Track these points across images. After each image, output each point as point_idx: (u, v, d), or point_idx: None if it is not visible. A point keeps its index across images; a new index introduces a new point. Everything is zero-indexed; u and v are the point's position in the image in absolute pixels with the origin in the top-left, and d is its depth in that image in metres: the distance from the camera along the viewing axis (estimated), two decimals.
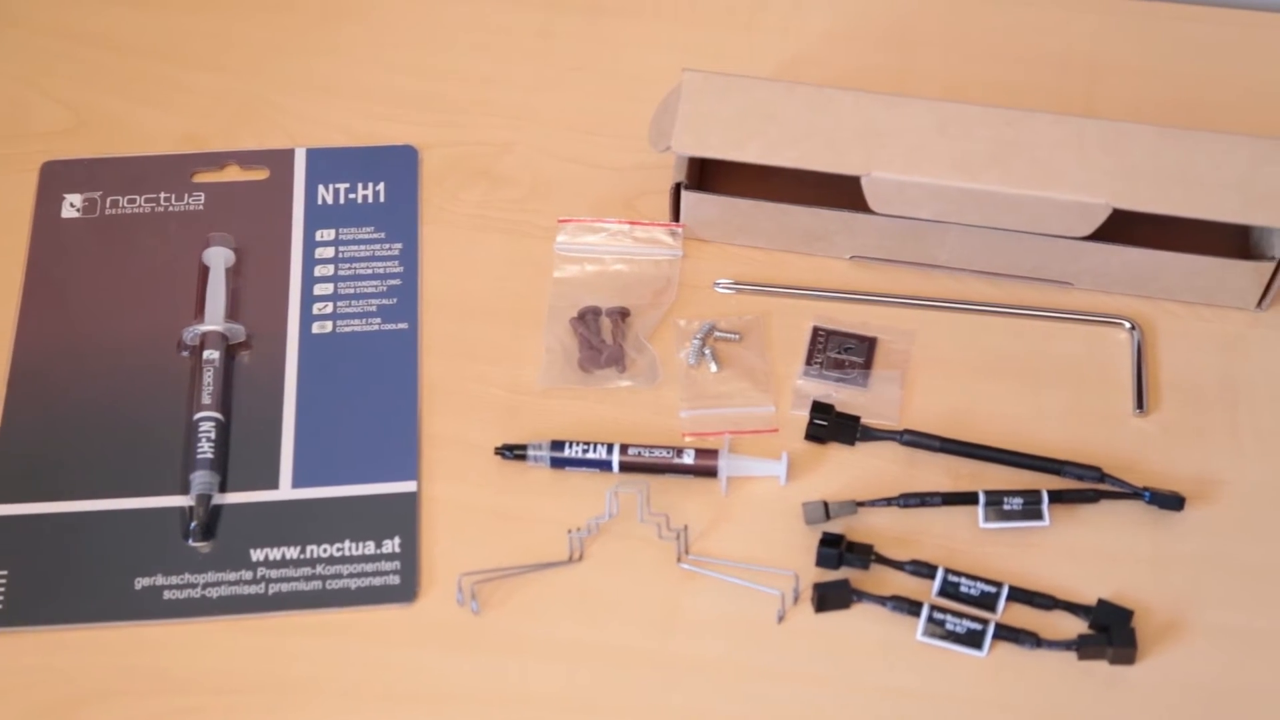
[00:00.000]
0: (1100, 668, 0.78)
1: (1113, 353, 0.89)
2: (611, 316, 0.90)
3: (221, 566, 0.81)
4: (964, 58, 1.01)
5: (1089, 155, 0.86)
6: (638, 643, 0.80)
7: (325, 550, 0.82)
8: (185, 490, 0.83)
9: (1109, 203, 0.85)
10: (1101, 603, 0.80)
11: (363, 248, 0.93)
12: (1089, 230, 0.86)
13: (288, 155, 0.96)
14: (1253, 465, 0.84)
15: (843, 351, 0.89)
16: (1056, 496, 0.82)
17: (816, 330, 0.90)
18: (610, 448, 0.84)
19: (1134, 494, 0.82)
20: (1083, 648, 0.78)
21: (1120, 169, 0.85)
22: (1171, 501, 0.82)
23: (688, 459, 0.84)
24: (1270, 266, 0.87)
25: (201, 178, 0.95)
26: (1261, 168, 0.85)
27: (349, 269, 0.92)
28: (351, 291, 0.91)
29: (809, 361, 0.89)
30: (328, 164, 0.96)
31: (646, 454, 0.84)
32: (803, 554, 0.82)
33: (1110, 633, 0.78)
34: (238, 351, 0.88)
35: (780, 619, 0.80)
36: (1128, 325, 0.89)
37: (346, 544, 0.82)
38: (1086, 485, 0.83)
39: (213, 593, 0.80)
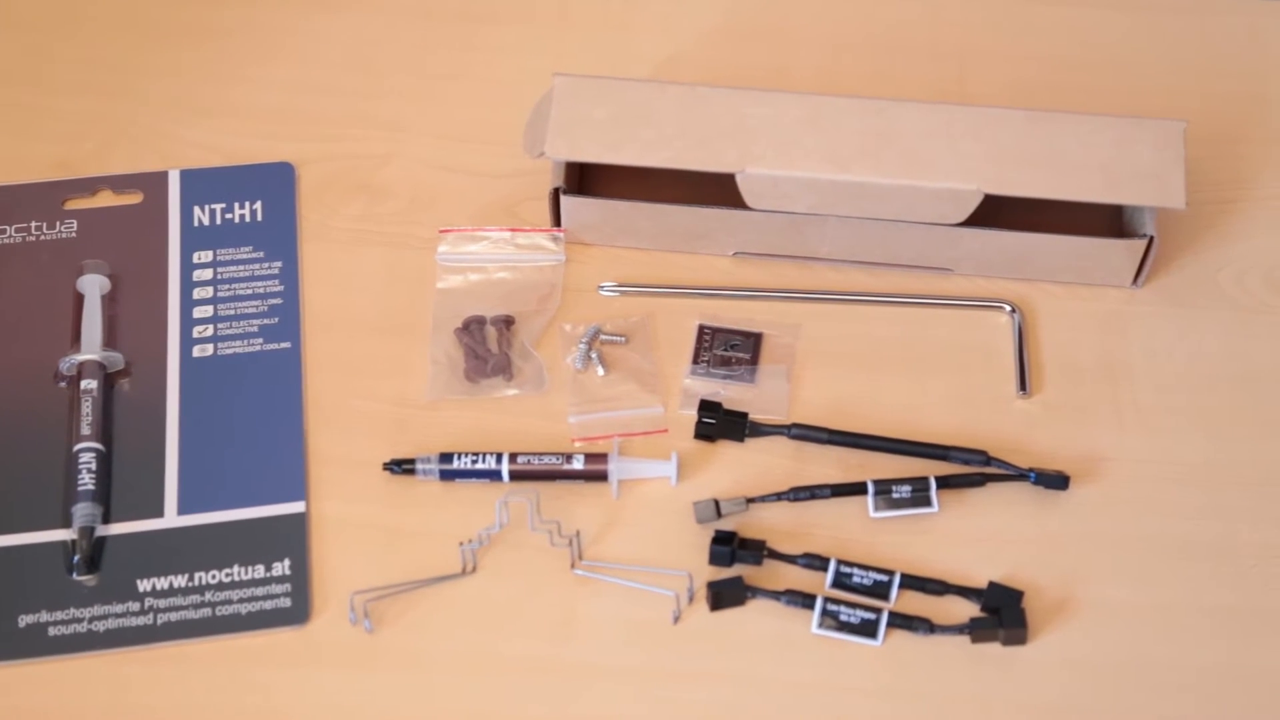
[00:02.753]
0: (994, 649, 0.79)
1: (994, 336, 0.90)
2: (496, 325, 0.90)
3: (108, 599, 0.80)
4: (840, 50, 1.02)
5: (958, 142, 0.87)
6: (535, 652, 0.79)
7: (214, 576, 0.81)
8: (67, 523, 0.81)
9: (980, 188, 0.86)
10: (992, 585, 0.80)
11: (242, 268, 0.92)
12: (962, 217, 0.87)
13: (161, 178, 0.95)
14: (1134, 441, 0.86)
15: (729, 348, 0.89)
16: (944, 482, 0.83)
17: (702, 328, 0.90)
18: (499, 457, 0.84)
19: (1020, 475, 0.83)
20: (975, 631, 0.79)
21: (990, 155, 0.86)
22: (1056, 481, 0.83)
23: (578, 464, 0.84)
24: (1142, 244, 0.88)
25: (73, 204, 0.94)
26: (1126, 147, 0.86)
27: (228, 290, 0.91)
28: (232, 313, 0.90)
29: (696, 360, 0.89)
30: (203, 185, 0.95)
31: (536, 462, 0.84)
32: (697, 553, 0.82)
33: (1001, 615, 0.79)
34: (117, 380, 0.87)
35: (676, 619, 0.80)
36: (1008, 308, 0.90)
37: (235, 569, 0.81)
38: (973, 469, 0.84)
39: (99, 626, 0.79)
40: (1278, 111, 0.99)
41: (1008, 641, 0.79)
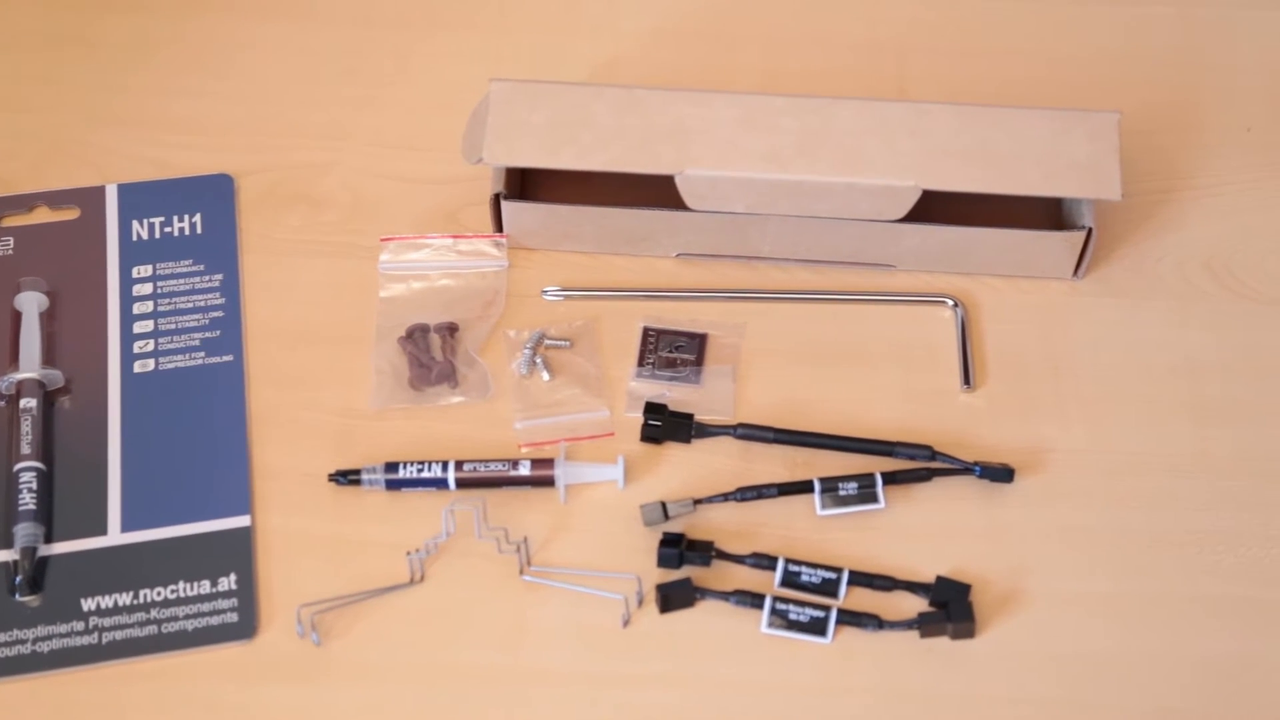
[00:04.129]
0: (943, 644, 0.79)
1: (938, 331, 0.90)
2: (440, 333, 0.89)
3: (51, 619, 0.79)
4: (778, 49, 1.02)
5: (895, 139, 0.87)
6: (485, 659, 0.79)
7: (159, 593, 0.80)
8: (9, 544, 0.81)
9: (917, 184, 0.86)
10: (940, 579, 0.81)
11: (182, 281, 0.91)
12: (901, 213, 0.87)
13: (98, 192, 0.94)
14: (1077, 432, 0.86)
15: (674, 350, 0.89)
16: (890, 478, 0.83)
17: (647, 330, 0.90)
18: (445, 465, 0.83)
19: (965, 469, 0.84)
20: (924, 626, 0.79)
21: (926, 150, 0.87)
22: (1001, 474, 0.83)
23: (524, 470, 0.84)
24: (1081, 236, 0.88)
25: (9, 221, 0.93)
26: (1062, 140, 0.87)
27: (169, 304, 0.90)
28: (173, 327, 0.89)
29: (641, 363, 0.89)
30: (141, 198, 0.94)
31: (482, 469, 0.83)
32: (645, 556, 0.82)
33: (949, 609, 0.79)
34: (57, 397, 0.86)
35: (625, 623, 0.80)
36: (950, 303, 0.91)
37: (181, 585, 0.80)
38: (919, 464, 0.84)
39: (44, 647, 0.78)
40: (1213, 100, 1.00)
41: (956, 635, 0.79)
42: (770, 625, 0.79)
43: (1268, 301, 0.91)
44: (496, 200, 0.90)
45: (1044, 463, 0.85)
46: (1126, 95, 0.98)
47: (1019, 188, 0.86)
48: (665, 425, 0.85)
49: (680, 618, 0.80)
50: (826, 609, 0.80)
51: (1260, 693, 0.78)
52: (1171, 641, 0.79)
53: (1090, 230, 0.88)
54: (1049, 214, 0.92)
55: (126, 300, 0.90)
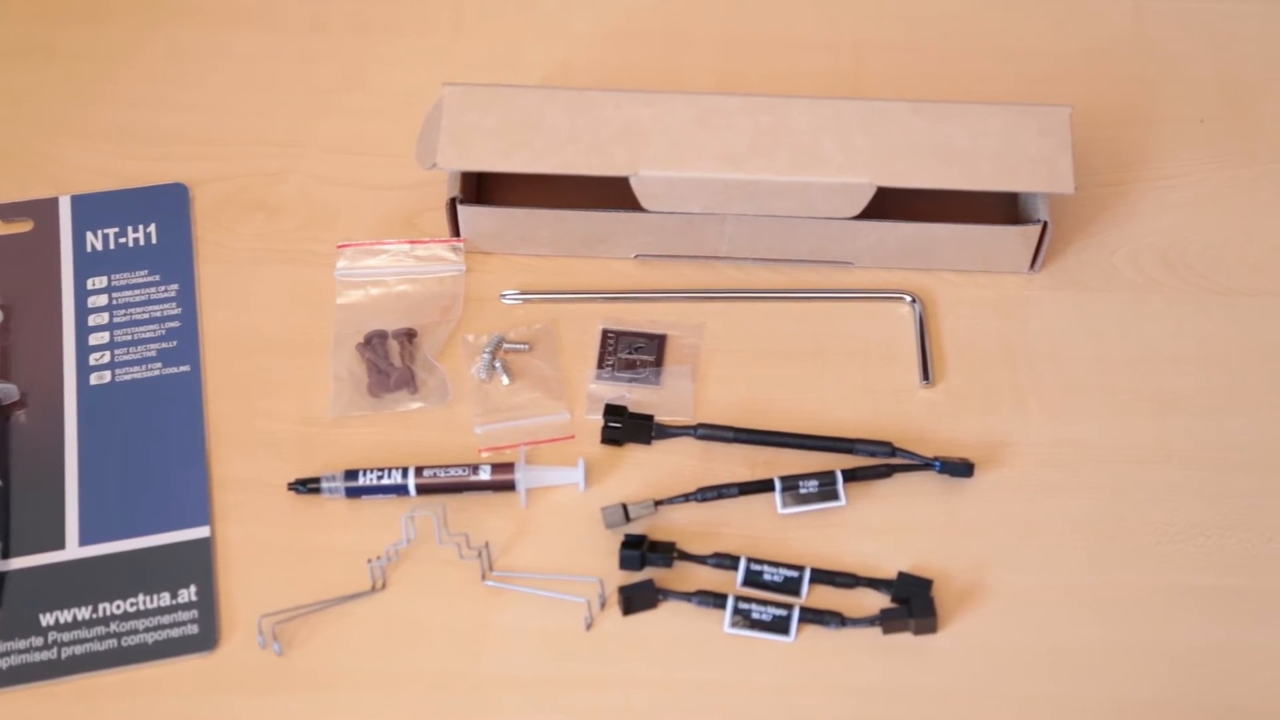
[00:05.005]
0: (906, 639, 0.80)
1: (897, 327, 0.90)
2: (398, 338, 0.89)
3: (9, 635, 0.78)
4: (734, 48, 1.02)
5: (849, 136, 0.87)
6: (448, 666, 0.79)
7: (119, 606, 0.80)
8: None
9: (872, 181, 0.86)
10: (901, 575, 0.81)
11: (138, 292, 0.91)
12: (857, 210, 0.87)
13: (52, 204, 0.93)
14: (1036, 425, 0.86)
15: (633, 351, 0.89)
16: (851, 475, 0.83)
17: (606, 332, 0.89)
18: (405, 472, 0.83)
19: (925, 465, 0.84)
20: (886, 622, 0.79)
21: (880, 147, 0.87)
22: (961, 469, 0.83)
23: (484, 475, 0.83)
24: (1036, 229, 0.89)
25: None
26: (1015, 135, 0.87)
27: (125, 315, 0.90)
28: (129, 338, 0.89)
29: (600, 364, 0.88)
30: (95, 209, 0.93)
31: (442, 474, 0.83)
32: (607, 558, 0.82)
33: (911, 604, 0.79)
34: (12, 412, 0.86)
35: (588, 626, 0.80)
36: (909, 299, 0.91)
37: (141, 598, 0.80)
38: (879, 461, 0.84)
39: (2, 664, 0.78)
40: (1165, 92, 1.00)
41: (919, 631, 0.79)
42: (733, 625, 0.79)
43: (1222, 292, 0.91)
44: (453, 205, 0.90)
45: (1003, 456, 0.85)
46: (1081, 89, 0.99)
47: (973, 183, 0.86)
48: (625, 427, 0.85)
49: (643, 619, 0.80)
50: (789, 608, 0.80)
51: (1223, 681, 0.78)
52: (1133, 632, 0.80)
53: (1045, 224, 0.88)
54: (1005, 209, 0.93)
55: (82, 312, 0.90)
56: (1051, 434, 0.86)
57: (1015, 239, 0.89)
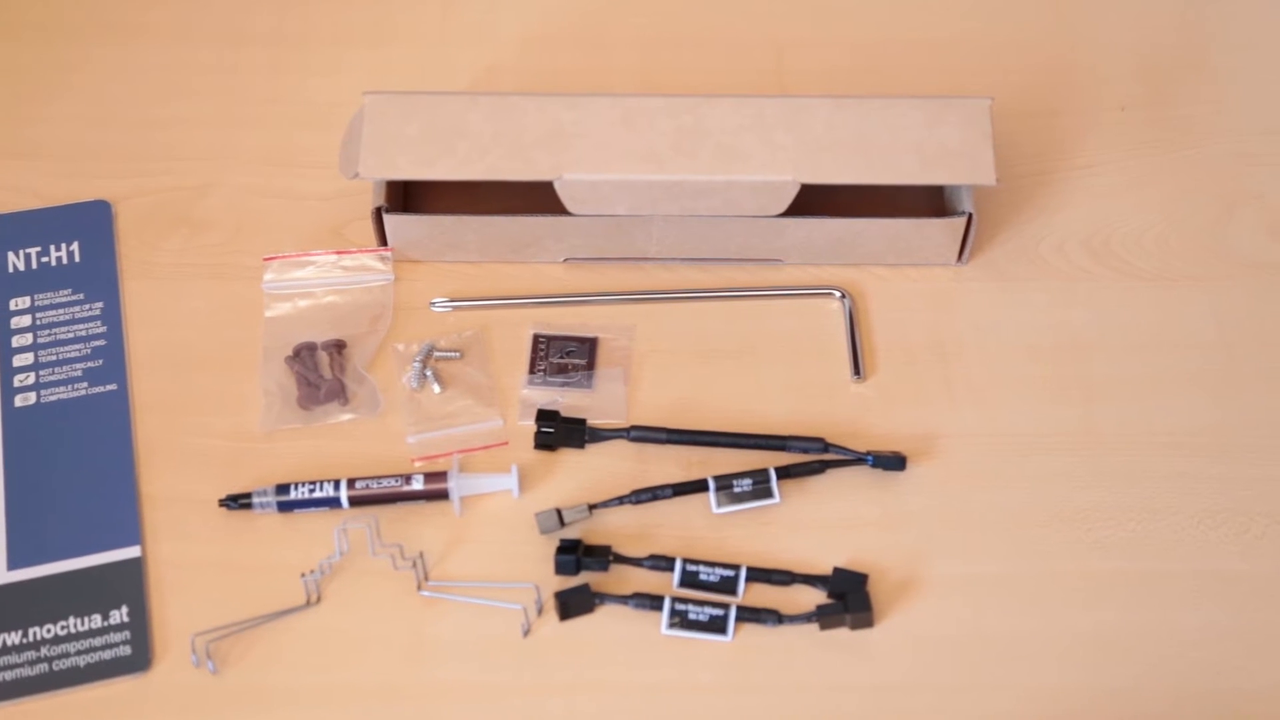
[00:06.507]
0: (843, 634, 0.80)
1: (827, 323, 0.90)
2: (328, 350, 0.89)
3: None
4: (658, 49, 1.02)
5: (772, 134, 0.87)
6: (386, 678, 0.78)
7: (49, 630, 0.79)
8: None
9: (796, 179, 0.86)
10: (837, 571, 0.81)
11: (61, 311, 0.90)
12: (782, 207, 0.87)
13: None
14: (966, 416, 0.87)
15: (565, 355, 0.89)
16: (784, 472, 0.84)
17: (537, 337, 0.89)
18: (337, 484, 0.83)
19: (858, 460, 0.84)
20: (823, 618, 0.79)
21: (803, 145, 0.87)
22: (894, 462, 0.84)
23: (417, 485, 0.83)
24: (962, 221, 0.89)
25: None
26: (936, 128, 0.88)
27: (49, 335, 0.89)
28: (54, 358, 0.88)
29: (532, 370, 0.88)
30: (16, 229, 0.92)
31: (375, 485, 0.83)
32: (544, 564, 0.81)
33: (847, 599, 0.79)
34: None
35: (526, 633, 0.80)
36: (838, 294, 0.91)
37: (71, 620, 0.79)
38: (812, 457, 0.84)
39: None
40: (1086, 80, 1.01)
41: (855, 625, 0.80)
42: (670, 626, 0.79)
43: (1148, 278, 0.92)
44: (378, 214, 0.89)
45: (935, 449, 0.86)
46: (1002, 79, 1.00)
47: (895, 178, 0.87)
48: (558, 432, 0.85)
49: (580, 624, 0.80)
50: (726, 607, 0.80)
51: (1155, 663, 0.79)
52: (1063, 618, 0.80)
53: (970, 216, 0.89)
54: (932, 201, 0.93)
55: (4, 333, 0.88)
56: (982, 425, 0.86)
57: (941, 231, 0.90)
